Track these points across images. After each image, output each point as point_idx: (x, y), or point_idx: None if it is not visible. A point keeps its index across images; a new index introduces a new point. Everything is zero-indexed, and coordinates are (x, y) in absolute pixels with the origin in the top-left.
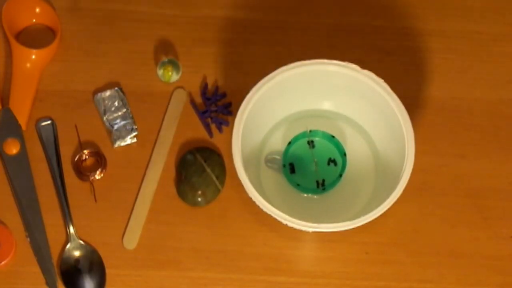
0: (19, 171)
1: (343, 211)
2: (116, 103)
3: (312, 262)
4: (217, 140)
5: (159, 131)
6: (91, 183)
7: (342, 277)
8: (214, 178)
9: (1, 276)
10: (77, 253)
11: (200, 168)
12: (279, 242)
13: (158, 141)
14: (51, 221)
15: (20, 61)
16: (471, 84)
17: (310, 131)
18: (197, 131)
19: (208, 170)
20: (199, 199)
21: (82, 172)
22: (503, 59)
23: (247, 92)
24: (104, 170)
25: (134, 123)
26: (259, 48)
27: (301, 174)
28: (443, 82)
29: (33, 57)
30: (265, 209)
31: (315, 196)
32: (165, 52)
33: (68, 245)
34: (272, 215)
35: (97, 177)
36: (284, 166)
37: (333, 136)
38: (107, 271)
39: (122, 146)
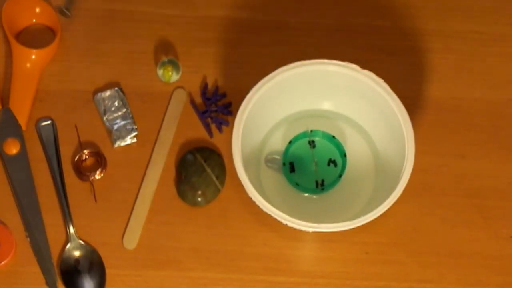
0: (19, 171)
1: (343, 211)
2: (116, 103)
3: (312, 262)
4: (217, 140)
5: (159, 131)
6: (91, 183)
7: (342, 277)
8: (214, 178)
9: (1, 276)
10: (77, 253)
11: (200, 168)
12: (279, 242)
13: (158, 141)
14: (51, 221)
15: (20, 61)
16: (471, 84)
17: (311, 131)
18: (197, 131)
19: (208, 170)
20: (199, 199)
21: (82, 172)
22: (503, 59)
23: (247, 92)
24: (104, 170)
25: (134, 123)
26: (259, 48)
27: (301, 174)
28: (443, 82)
29: (33, 57)
30: (265, 209)
31: (314, 196)
32: (165, 52)
33: (68, 245)
34: (272, 215)
35: (97, 177)
36: (284, 165)
37: (334, 137)
38: (107, 271)
39: (122, 146)
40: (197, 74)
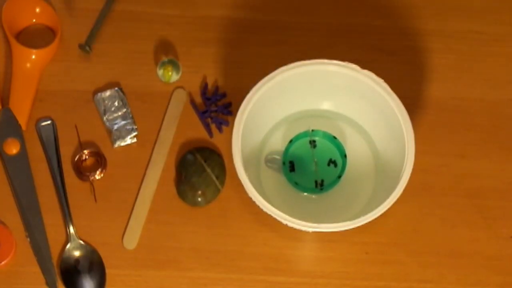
0: (19, 171)
1: (343, 211)
2: (116, 103)
3: (312, 262)
4: (217, 140)
5: (159, 131)
6: (91, 183)
7: (342, 277)
8: (214, 178)
9: (1, 276)
10: (77, 253)
11: (200, 168)
12: (279, 242)
13: (158, 141)
14: (51, 221)
15: (20, 61)
16: (471, 84)
17: (312, 130)
18: (197, 131)
19: (208, 170)
20: (199, 199)
21: (82, 172)
22: (503, 59)
23: (247, 92)
24: (104, 170)
25: (134, 123)
26: (259, 48)
27: (301, 173)
28: (443, 82)
29: (33, 57)
30: (265, 209)
31: (314, 196)
32: (165, 52)
33: (68, 245)
34: (272, 215)
35: (97, 177)
36: (284, 163)
37: (334, 137)
38: (107, 271)
39: (122, 146)
40: (197, 74)
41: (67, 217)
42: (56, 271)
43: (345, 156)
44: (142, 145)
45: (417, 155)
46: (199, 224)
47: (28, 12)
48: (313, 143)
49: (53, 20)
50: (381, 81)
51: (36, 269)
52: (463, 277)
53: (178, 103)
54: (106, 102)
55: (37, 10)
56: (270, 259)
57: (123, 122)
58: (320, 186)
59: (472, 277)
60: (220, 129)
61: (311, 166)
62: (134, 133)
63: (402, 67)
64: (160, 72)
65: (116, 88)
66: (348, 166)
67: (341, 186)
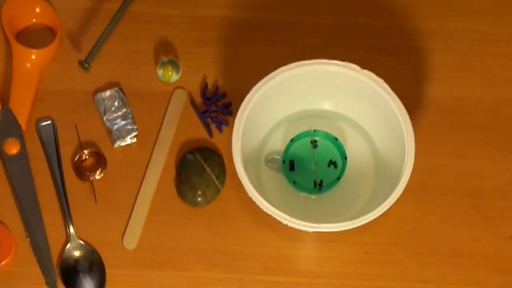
0: (19, 171)
1: (343, 211)
2: (116, 103)
3: (312, 262)
4: (217, 140)
5: (159, 131)
6: (91, 183)
7: (342, 277)
8: (214, 178)
9: (1, 276)
10: (77, 253)
11: (200, 168)
12: (279, 242)
13: (158, 141)
14: (51, 221)
15: (20, 61)
16: (471, 84)
17: (314, 130)
18: (197, 131)
19: (208, 170)
20: (199, 199)
21: (82, 172)
22: (503, 59)
23: (247, 92)
24: (104, 170)
25: (134, 123)
26: (259, 48)
27: (300, 173)
28: (443, 82)
29: (33, 57)
30: (265, 209)
31: (313, 196)
32: (165, 52)
33: (68, 245)
34: (272, 215)
35: (97, 177)
36: (283, 162)
37: (336, 138)
38: (107, 271)
39: (122, 146)
40: (197, 74)
41: (67, 217)
42: (56, 271)
43: (346, 157)
44: (142, 145)
45: (417, 155)
46: (199, 224)
47: (28, 12)
48: (314, 143)
49: (53, 20)
50: (381, 81)
51: (36, 269)
52: (463, 277)
53: (178, 103)
54: (106, 102)
55: (37, 10)
56: (270, 259)
57: (123, 122)
58: (319, 186)
59: (472, 277)
60: (220, 129)
61: (311, 166)
62: (134, 133)
63: (402, 67)
64: (160, 72)
65: (116, 88)
66: (348, 166)
67: (341, 186)
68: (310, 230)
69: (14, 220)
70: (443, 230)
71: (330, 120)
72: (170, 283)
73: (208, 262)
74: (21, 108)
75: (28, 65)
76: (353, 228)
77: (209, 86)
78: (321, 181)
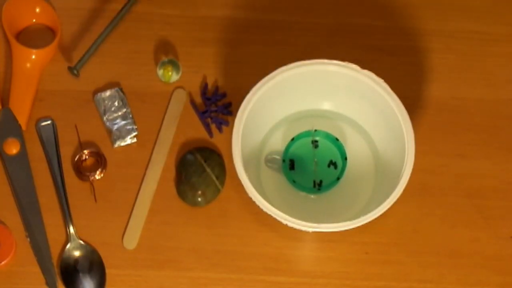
0: (19, 171)
1: (343, 211)
2: (116, 103)
3: (312, 262)
4: (217, 140)
5: (159, 131)
6: (91, 183)
7: (342, 277)
8: (214, 178)
9: (1, 276)
10: (77, 253)
11: (200, 168)
12: (279, 242)
13: (158, 141)
14: (51, 221)
15: (20, 61)
16: (471, 84)
17: (315, 130)
18: (197, 131)
19: (208, 170)
20: (199, 199)
21: (82, 172)
22: (503, 59)
23: (247, 92)
24: (104, 170)
25: (134, 123)
26: (259, 48)
27: (300, 172)
28: (443, 82)
29: (33, 57)
30: (265, 209)
31: (312, 196)
32: (165, 52)
33: (68, 245)
34: (272, 215)
35: (97, 177)
36: (283, 161)
37: (337, 139)
38: (107, 271)
39: (122, 146)
40: (197, 74)
41: (67, 217)
42: (56, 271)
43: (346, 158)
44: (142, 145)
45: (417, 155)
46: (199, 224)
47: (28, 12)
48: (315, 143)
49: (53, 20)
50: (381, 81)
51: (36, 269)
52: (463, 277)
53: (178, 103)
54: (106, 102)
55: (37, 10)
56: (270, 259)
57: (123, 122)
58: (318, 186)
59: (472, 277)
60: (220, 129)
61: (311, 166)
62: (134, 133)
63: (402, 67)
64: (160, 72)
65: (116, 88)
66: (348, 166)
67: (341, 186)
68: (310, 230)
69: (14, 220)
70: (443, 230)
71: (330, 120)
72: (170, 283)
73: (208, 262)
74: (21, 108)
75: (28, 65)
76: (353, 228)
77: (209, 86)
78: (321, 181)
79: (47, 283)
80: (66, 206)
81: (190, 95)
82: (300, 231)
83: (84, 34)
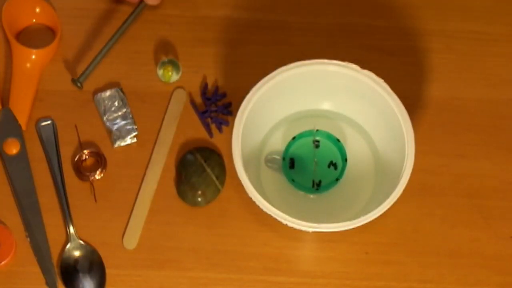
0: (19, 171)
1: (343, 211)
2: (116, 103)
3: (312, 262)
4: (217, 140)
5: (159, 131)
6: (91, 183)
7: (342, 277)
8: (214, 178)
9: (1, 276)
10: (77, 253)
11: (200, 168)
12: (279, 242)
13: (158, 141)
14: (51, 221)
15: (20, 61)
16: (471, 84)
17: (317, 130)
18: (197, 131)
19: (208, 170)
20: (199, 199)
21: (82, 172)
22: (503, 59)
23: (247, 92)
24: (104, 170)
25: (134, 123)
26: (259, 48)
27: (300, 171)
28: (443, 82)
29: (33, 57)
30: (265, 209)
31: (312, 196)
32: (165, 52)
33: (68, 245)
34: (272, 215)
35: (97, 177)
36: (284, 159)
37: (338, 140)
38: (107, 271)
39: (122, 146)
40: (197, 74)
41: (67, 217)
42: (56, 271)
43: (346, 159)
44: (142, 145)
45: (417, 155)
46: (199, 224)
47: (28, 12)
48: (316, 143)
49: (53, 20)
50: (381, 81)
51: (36, 269)
52: (463, 277)
53: (178, 103)
54: (106, 102)
55: (37, 10)
56: (270, 259)
57: (123, 122)
58: (316, 186)
59: (472, 277)
60: (220, 129)
61: (310, 165)
62: (134, 133)
63: (402, 67)
64: (160, 72)
65: (116, 88)
66: (348, 166)
67: (341, 186)
68: (310, 230)
69: (14, 220)
70: (443, 230)
71: (330, 120)
72: (170, 283)
73: (208, 262)
74: (21, 108)
75: (28, 65)
76: (353, 228)
77: (209, 86)
78: (320, 181)
79: (47, 283)
80: (66, 206)
81: (190, 95)
82: (300, 231)
83: (84, 34)
